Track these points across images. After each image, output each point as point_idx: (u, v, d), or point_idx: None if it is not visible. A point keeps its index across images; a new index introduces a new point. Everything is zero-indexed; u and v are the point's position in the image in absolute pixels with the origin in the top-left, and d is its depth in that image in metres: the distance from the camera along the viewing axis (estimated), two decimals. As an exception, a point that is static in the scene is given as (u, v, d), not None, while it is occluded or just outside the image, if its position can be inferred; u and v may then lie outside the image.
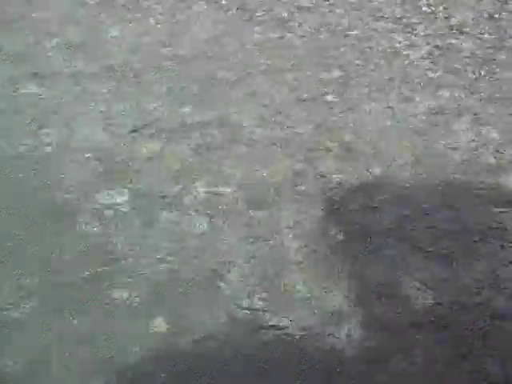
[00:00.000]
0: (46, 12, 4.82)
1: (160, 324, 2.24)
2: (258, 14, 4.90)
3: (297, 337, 2.17)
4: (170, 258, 2.54)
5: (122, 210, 2.80)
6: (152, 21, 4.80)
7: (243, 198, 2.84)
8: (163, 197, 2.87)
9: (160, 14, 4.94)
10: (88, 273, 2.46)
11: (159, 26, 4.70)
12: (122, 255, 2.54)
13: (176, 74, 3.90)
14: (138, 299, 2.34)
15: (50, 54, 4.21)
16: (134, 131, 3.33)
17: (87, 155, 3.17)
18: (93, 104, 3.61)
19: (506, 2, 5.46)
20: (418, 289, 2.36)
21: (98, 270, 2.47)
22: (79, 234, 2.67)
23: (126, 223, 2.73)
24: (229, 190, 2.89)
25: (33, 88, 3.78)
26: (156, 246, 2.60)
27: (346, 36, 4.39)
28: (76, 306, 2.31)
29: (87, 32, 4.50)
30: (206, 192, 2.88)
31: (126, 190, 2.91)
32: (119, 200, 2.85)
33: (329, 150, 3.12)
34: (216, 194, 2.86)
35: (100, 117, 3.50)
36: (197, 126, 3.35)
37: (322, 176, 2.96)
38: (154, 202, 2.84)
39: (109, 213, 2.78)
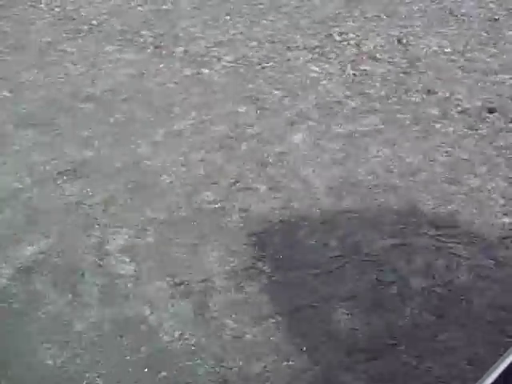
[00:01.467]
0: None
1: None
2: (174, 51, 4.92)
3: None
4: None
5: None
6: (69, 64, 4.74)
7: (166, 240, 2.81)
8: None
9: (76, 56, 4.89)
10: None
11: (76, 68, 4.64)
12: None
13: (94, 116, 3.85)
14: None
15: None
16: (55, 178, 3.25)
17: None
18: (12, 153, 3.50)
19: (413, 27, 5.72)
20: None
21: None
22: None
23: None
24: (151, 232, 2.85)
25: None
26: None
27: (263, 68, 4.45)
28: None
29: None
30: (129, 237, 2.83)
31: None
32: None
33: (254, 183, 3.14)
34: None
35: (20, 165, 3.40)
36: (116, 169, 3.29)
37: (244, 211, 2.96)
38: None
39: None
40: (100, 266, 2.68)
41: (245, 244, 2.74)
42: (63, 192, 3.16)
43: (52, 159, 3.37)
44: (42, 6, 6.93)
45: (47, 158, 3.38)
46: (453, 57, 4.80)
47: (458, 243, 2.72)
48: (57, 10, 6.69)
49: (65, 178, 3.24)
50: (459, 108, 3.88)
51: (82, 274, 2.64)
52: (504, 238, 2.77)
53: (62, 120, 3.76)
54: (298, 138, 3.48)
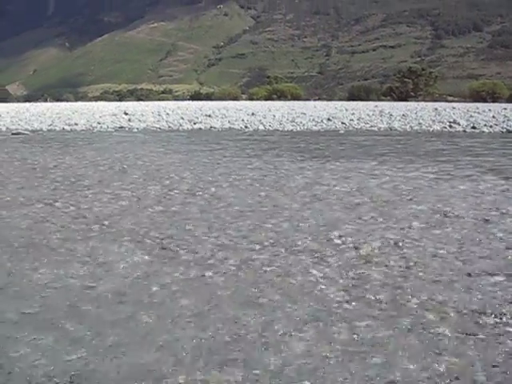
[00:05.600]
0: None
1: None
2: (180, 253, 5.13)
3: None
4: None
5: None
6: (77, 264, 4.91)
7: None
8: None
9: (85, 256, 5.09)
10: None
11: (84, 268, 4.81)
12: None
13: (96, 318, 3.91)
14: None
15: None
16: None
17: None
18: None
19: (411, 227, 5.98)
20: None
21: None
22: None
23: None
24: None
25: None
26: None
27: (265, 272, 4.62)
28: None
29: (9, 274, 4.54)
30: None
31: None
32: None
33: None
34: None
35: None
36: (122, 378, 3.29)
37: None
38: None
39: None
40: None
41: None
42: None
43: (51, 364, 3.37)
44: (58, 204, 7.37)
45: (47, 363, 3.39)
46: (448, 259, 4.98)
47: None
48: (72, 208, 7.10)
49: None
50: (456, 312, 3.94)
51: None
52: None
53: (63, 323, 3.82)
54: (299, 347, 3.50)
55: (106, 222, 6.29)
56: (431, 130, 23.34)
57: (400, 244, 5.39)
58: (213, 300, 4.09)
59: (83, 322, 3.85)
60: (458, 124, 24.80)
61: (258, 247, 5.27)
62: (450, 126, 24.22)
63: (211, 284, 4.41)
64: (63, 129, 24.37)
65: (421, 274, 4.61)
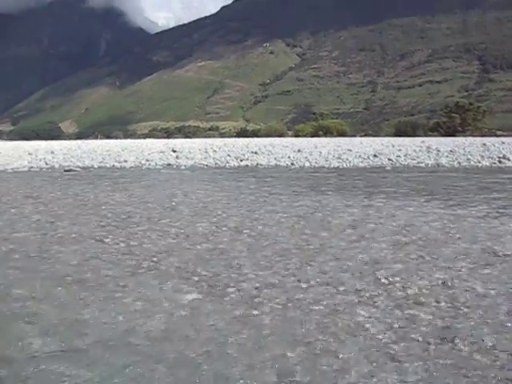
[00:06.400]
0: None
1: None
2: (227, 291, 5.19)
3: None
4: None
5: None
6: (127, 300, 5.02)
7: None
8: None
9: (135, 293, 5.20)
10: None
11: (133, 305, 4.91)
12: None
13: (147, 355, 3.99)
14: None
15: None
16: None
17: None
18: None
19: (459, 266, 5.89)
20: None
21: None
22: None
23: None
24: None
25: None
26: None
27: (311, 311, 4.63)
28: None
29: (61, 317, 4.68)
30: None
31: None
32: None
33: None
34: None
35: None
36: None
37: None
38: None
39: None
40: None
41: None
42: None
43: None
44: (108, 240, 7.55)
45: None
46: (498, 300, 4.89)
47: None
48: (121, 244, 7.26)
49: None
50: (507, 354, 3.87)
51: None
52: None
53: (113, 359, 3.91)
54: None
55: (155, 259, 6.42)
56: (480, 165, 22.95)
57: (449, 284, 5.32)
58: (260, 338, 4.12)
59: (133, 358, 3.93)
60: (508, 159, 24.35)
61: (304, 286, 5.29)
62: (500, 162, 23.79)
63: (258, 322, 4.44)
64: (113, 166, 24.99)
65: (470, 315, 4.54)
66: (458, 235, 7.65)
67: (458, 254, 6.47)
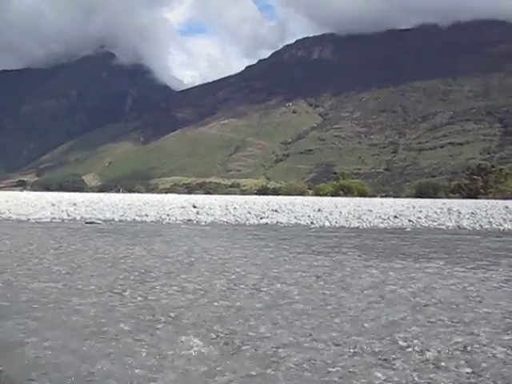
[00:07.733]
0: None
1: None
2: (243, 349, 5.16)
3: None
4: None
5: None
6: (143, 355, 5.02)
7: None
8: None
9: (150, 347, 5.20)
10: None
11: (147, 358, 4.90)
12: None
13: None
14: None
15: None
16: None
17: None
18: None
19: (480, 331, 5.80)
20: None
21: None
22: None
23: None
24: None
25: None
26: None
27: (328, 373, 4.57)
28: None
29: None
30: None
31: None
32: None
33: None
34: None
35: None
36: None
37: None
38: None
39: None
40: None
41: None
42: None
43: None
44: (127, 294, 7.58)
45: None
46: (520, 366, 4.80)
47: None
48: (139, 298, 7.29)
49: None
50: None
51: None
52: None
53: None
54: None
55: (172, 314, 6.42)
56: (502, 228, 22.73)
57: (468, 348, 5.23)
58: (275, 398, 4.09)
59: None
60: (531, 223, 24.10)
61: (321, 346, 5.24)
62: (523, 225, 23.55)
63: (273, 381, 4.40)
64: (134, 219, 25.18)
65: (490, 381, 4.46)
66: (478, 299, 7.55)
67: (479, 319, 6.38)
